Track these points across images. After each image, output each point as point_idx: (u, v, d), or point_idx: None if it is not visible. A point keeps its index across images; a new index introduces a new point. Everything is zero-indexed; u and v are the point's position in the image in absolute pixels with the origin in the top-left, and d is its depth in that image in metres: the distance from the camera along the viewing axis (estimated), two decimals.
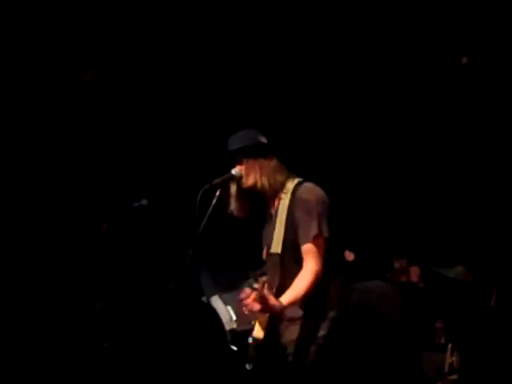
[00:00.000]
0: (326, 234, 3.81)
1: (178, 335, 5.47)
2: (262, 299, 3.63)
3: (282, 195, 3.90)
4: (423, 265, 5.90)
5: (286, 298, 3.71)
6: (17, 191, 5.99)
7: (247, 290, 3.81)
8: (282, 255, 3.83)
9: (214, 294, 5.00)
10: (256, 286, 3.58)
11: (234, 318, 4.80)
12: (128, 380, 5.46)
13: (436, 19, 6.16)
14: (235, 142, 3.97)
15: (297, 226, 3.83)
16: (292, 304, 3.73)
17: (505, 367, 4.99)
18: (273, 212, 3.96)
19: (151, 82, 6.58)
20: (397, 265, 6.10)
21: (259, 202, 3.99)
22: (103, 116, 6.47)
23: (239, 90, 6.54)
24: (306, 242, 3.80)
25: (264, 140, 3.98)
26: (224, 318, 4.91)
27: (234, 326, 4.61)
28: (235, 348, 4.50)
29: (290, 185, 3.91)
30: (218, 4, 6.26)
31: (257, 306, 3.68)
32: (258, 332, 3.77)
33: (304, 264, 3.79)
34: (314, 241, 3.79)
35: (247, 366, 3.79)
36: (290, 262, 3.83)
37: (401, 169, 6.55)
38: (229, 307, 4.85)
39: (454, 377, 5.08)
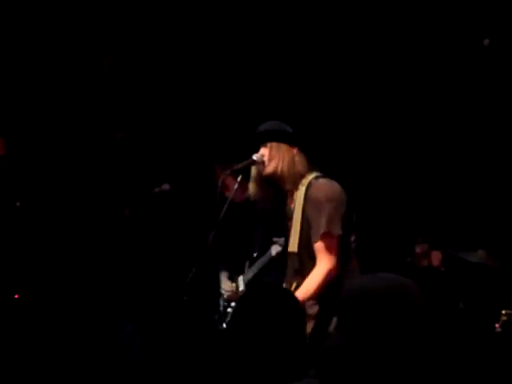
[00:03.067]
0: (337, 232, 3.78)
1: (199, 322, 5.50)
2: None
3: (298, 191, 3.87)
4: (445, 249, 5.88)
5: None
6: (38, 178, 6.04)
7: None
8: (298, 254, 3.85)
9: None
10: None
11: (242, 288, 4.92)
12: (150, 365, 5.50)
13: (457, 1, 6.12)
14: (263, 126, 4.00)
15: (309, 225, 3.83)
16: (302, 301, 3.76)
17: None
18: (292, 206, 3.93)
19: (173, 67, 6.59)
20: (418, 249, 6.08)
21: (278, 194, 3.99)
22: (123, 102, 6.49)
23: (255, 80, 6.54)
24: (316, 240, 3.80)
25: (290, 130, 4.00)
26: (224, 285, 5.07)
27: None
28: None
29: (306, 180, 3.88)
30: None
31: None
32: None
33: (317, 262, 3.80)
34: (323, 239, 3.78)
35: None
36: (306, 260, 3.85)
37: (422, 154, 6.52)
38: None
39: None
